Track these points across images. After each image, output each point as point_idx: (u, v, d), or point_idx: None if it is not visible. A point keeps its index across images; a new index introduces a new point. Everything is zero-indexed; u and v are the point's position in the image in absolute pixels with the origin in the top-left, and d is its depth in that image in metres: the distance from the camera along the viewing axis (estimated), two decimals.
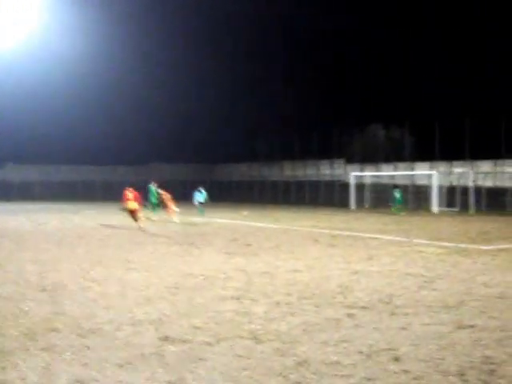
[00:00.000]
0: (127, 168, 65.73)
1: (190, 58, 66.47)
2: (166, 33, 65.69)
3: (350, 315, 8.35)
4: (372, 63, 65.13)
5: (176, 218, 28.88)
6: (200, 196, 34.24)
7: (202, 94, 68.19)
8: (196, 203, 34.40)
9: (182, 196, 41.75)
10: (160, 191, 31.73)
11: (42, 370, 5.96)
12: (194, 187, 36.52)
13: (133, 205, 24.12)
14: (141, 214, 24.67)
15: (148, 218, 28.27)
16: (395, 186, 42.47)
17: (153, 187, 32.91)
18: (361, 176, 49.88)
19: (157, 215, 30.88)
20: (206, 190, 35.19)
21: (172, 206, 29.89)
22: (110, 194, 57.81)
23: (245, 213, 36.65)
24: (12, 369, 6.00)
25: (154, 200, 32.33)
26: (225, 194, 61.19)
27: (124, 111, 64.70)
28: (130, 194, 24.24)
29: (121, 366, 6.14)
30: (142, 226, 23.90)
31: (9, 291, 10.03)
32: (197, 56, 66.93)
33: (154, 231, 23.38)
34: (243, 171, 64.27)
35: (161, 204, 31.54)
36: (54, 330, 7.51)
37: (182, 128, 67.07)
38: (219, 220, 30.31)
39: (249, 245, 18.12)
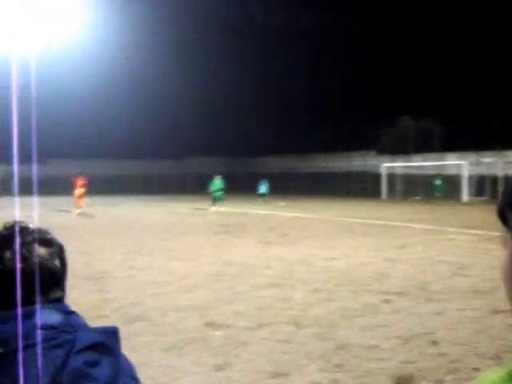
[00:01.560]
0: (165, 162, 66.38)
1: (228, 51, 66.71)
2: (200, 26, 65.99)
3: (386, 301, 8.53)
4: (402, 54, 64.50)
5: (215, 208, 29.89)
6: (262, 187, 37.14)
7: (236, 86, 68.38)
8: (260, 194, 37.77)
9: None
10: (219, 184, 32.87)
11: None
12: (230, 180, 37.34)
13: (80, 191, 29.22)
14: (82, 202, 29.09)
15: (213, 208, 29.82)
16: (435, 176, 42.83)
17: (217, 180, 33.47)
18: (392, 167, 49.96)
19: (218, 207, 31.51)
20: (241, 183, 36.40)
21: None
22: (148, 187, 58.43)
23: (281, 203, 36.87)
24: None
25: (216, 192, 32.91)
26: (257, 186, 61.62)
27: (161, 106, 65.31)
28: (80, 181, 29.35)
29: (168, 350, 6.43)
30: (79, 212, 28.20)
31: None
32: (233, 49, 67.12)
33: (195, 221, 23.78)
34: (277, 163, 64.41)
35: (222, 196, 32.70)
36: (103, 316, 7.85)
37: (216, 121, 67.42)
38: (256, 211, 30.59)
39: (286, 234, 18.36)
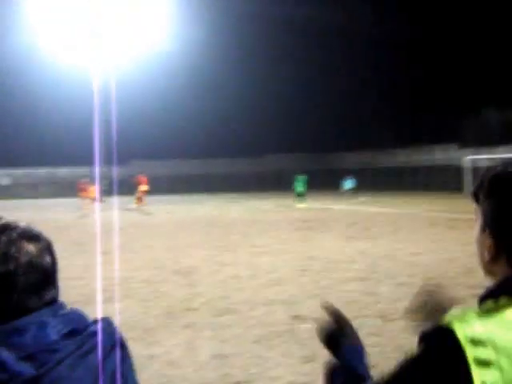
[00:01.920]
0: (244, 160, 66.95)
1: (307, 50, 66.60)
2: (280, 26, 66.11)
3: (475, 296, 8.37)
4: (485, 43, 62.59)
5: (302, 205, 30.30)
6: (349, 183, 37.41)
7: (314, 83, 68.17)
8: (344, 189, 38.48)
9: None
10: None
11: (185, 346, 6.47)
12: (309, 176, 37.26)
13: (144, 188, 32.20)
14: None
15: (300, 205, 30.29)
16: None
17: (300, 177, 33.70)
18: (475, 159, 48.48)
19: (302, 203, 31.73)
20: (321, 179, 36.53)
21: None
22: (228, 185, 59.10)
23: (362, 199, 36.60)
24: (157, 345, 6.55)
25: (300, 189, 33.10)
26: (338, 182, 61.29)
27: (240, 104, 65.88)
28: (143, 180, 32.61)
29: (257, 342, 6.56)
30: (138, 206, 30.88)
31: (147, 275, 10.77)
32: (312, 47, 66.94)
33: (277, 217, 23.94)
34: (357, 159, 63.85)
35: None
36: (192, 309, 8.06)
37: (295, 118, 67.41)
38: (337, 206, 30.49)
39: (368, 229, 18.26)
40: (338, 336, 1.61)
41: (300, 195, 32.50)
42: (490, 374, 1.09)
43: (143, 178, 33.08)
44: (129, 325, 7.26)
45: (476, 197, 1.34)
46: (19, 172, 61.92)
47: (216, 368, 5.80)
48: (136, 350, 6.29)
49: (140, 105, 62.55)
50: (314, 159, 66.82)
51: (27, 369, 1.25)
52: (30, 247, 1.38)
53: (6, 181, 61.19)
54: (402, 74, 63.52)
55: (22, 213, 30.84)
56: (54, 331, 1.33)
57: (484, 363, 1.10)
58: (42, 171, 62.76)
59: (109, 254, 13.49)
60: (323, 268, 11.08)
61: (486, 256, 1.31)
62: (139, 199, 32.38)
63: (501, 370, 1.10)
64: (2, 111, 62.36)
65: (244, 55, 65.71)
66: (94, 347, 1.33)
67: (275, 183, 59.12)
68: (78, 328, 1.37)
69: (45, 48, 50.38)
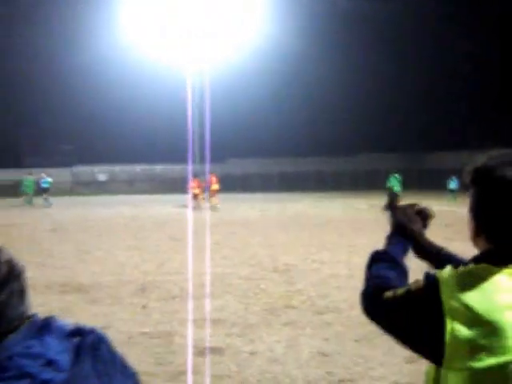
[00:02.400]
0: (338, 159, 66.57)
1: (400, 48, 65.49)
2: (371, 25, 65.30)
3: None
4: None
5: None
6: (452, 183, 36.86)
7: (408, 80, 66.87)
8: (449, 189, 37.84)
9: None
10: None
11: (287, 343, 6.49)
12: (405, 176, 36.64)
13: (215, 187, 33.18)
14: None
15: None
16: None
17: (394, 176, 33.33)
18: None
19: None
20: (416, 179, 35.72)
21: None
22: (321, 184, 59.01)
23: (455, 199, 35.70)
24: (259, 341, 6.60)
25: (396, 188, 32.72)
26: (436, 183, 59.82)
27: (334, 103, 65.57)
28: (214, 179, 33.68)
29: (358, 341, 6.50)
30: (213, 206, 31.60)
31: (246, 272, 10.88)
32: (405, 45, 65.77)
33: (371, 217, 23.69)
34: (456, 158, 62.12)
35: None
36: (292, 307, 8.08)
37: (387, 116, 66.35)
38: (436, 207, 29.81)
39: (464, 231, 17.74)
40: (408, 226, 1.98)
41: (397, 194, 32.02)
42: (458, 326, 1.39)
43: (214, 178, 34.28)
44: (230, 321, 7.36)
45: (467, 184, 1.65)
46: (116, 168, 64.04)
47: (319, 366, 5.79)
48: (238, 345, 6.38)
49: (234, 103, 63.27)
50: (409, 158, 65.60)
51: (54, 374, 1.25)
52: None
53: (103, 177, 63.51)
54: (505, 73, 61.27)
55: (120, 207, 31.89)
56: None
57: (455, 315, 1.41)
58: (138, 168, 64.65)
59: (207, 250, 13.74)
60: (421, 267, 10.83)
61: (471, 234, 1.70)
62: (196, 196, 33.25)
63: (466, 324, 1.39)
64: (101, 109, 64.72)
65: (339, 53, 65.26)
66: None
67: (368, 182, 58.44)
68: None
69: (140, 47, 51.85)
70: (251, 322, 7.32)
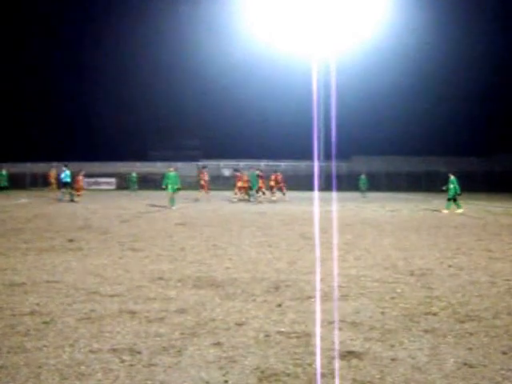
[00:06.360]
0: (472, 159, 64.31)
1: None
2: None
3: None
4: None
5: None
6: None
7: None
8: None
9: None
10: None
11: (429, 351, 6.26)
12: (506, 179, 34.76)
13: (242, 184, 37.41)
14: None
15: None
16: None
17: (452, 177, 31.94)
18: None
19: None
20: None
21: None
22: (433, 184, 57.45)
23: None
24: (400, 347, 6.41)
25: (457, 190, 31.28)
26: None
27: (468, 100, 63.48)
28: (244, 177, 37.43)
29: (505, 353, 6.18)
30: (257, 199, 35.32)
31: (380, 275, 10.66)
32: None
33: (509, 221, 22.71)
34: None
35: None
36: (432, 313, 7.81)
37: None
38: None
39: None
40: None
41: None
42: None
43: (278, 176, 39.05)
44: (368, 324, 7.23)
45: None
46: (241, 164, 65.22)
47: (465, 377, 5.55)
48: (378, 350, 6.25)
49: (362, 100, 62.70)
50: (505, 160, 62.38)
51: None
52: None
53: (228, 172, 64.99)
54: None
55: (245, 204, 32.34)
56: None
57: None
58: (263, 163, 65.55)
59: (339, 249, 13.63)
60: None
61: None
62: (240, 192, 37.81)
63: None
64: (227, 106, 66.05)
65: (456, 53, 63.07)
66: None
67: (505, 184, 55.93)
68: None
69: (268, 45, 52.27)
70: (390, 327, 7.15)
